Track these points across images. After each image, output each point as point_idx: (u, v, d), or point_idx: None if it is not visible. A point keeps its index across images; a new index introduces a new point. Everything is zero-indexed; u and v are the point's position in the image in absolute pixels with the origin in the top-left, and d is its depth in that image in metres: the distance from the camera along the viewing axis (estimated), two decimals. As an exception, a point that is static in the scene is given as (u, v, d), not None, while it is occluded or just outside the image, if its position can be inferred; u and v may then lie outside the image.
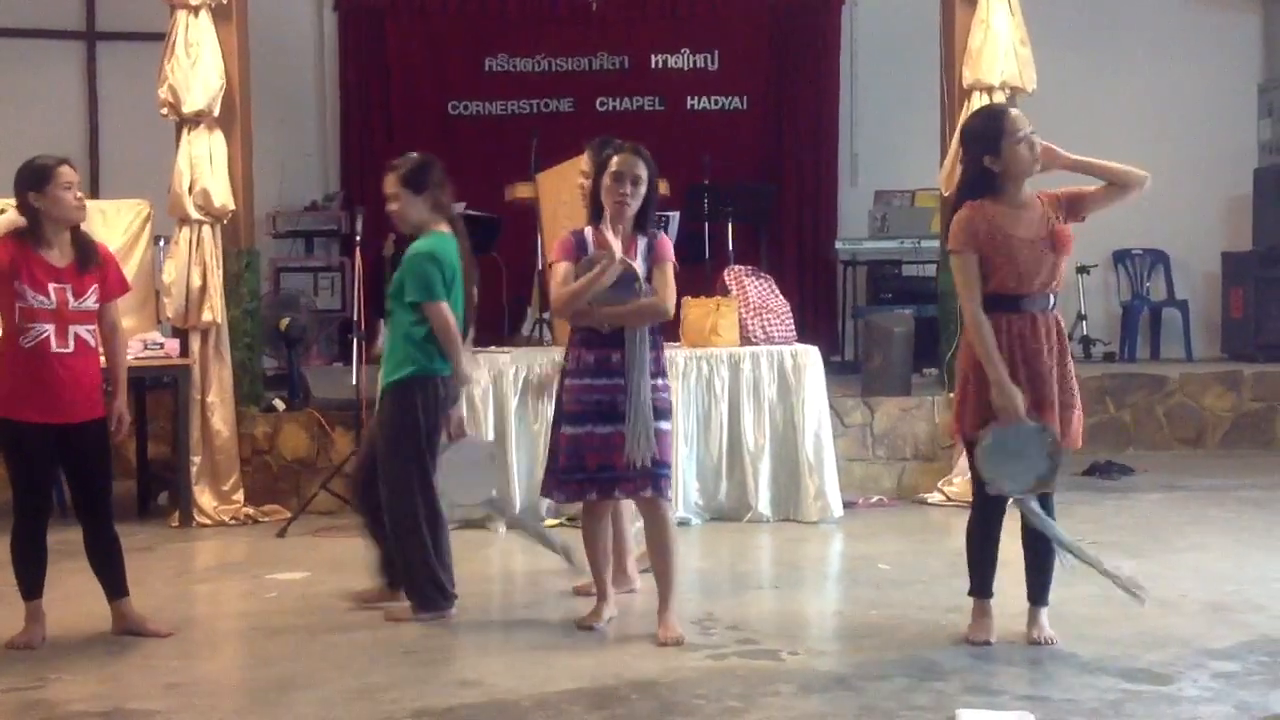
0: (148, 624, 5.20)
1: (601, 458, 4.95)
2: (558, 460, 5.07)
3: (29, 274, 4.96)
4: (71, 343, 5.02)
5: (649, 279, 4.98)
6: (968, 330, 4.81)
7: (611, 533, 5.30)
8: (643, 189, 4.96)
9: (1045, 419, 4.72)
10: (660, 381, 5.00)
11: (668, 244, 5.09)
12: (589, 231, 5.06)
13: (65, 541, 5.38)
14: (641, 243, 5.03)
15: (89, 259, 5.10)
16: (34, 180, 5.02)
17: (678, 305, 5.29)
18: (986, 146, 4.80)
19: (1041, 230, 4.78)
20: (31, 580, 5.11)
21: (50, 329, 4.98)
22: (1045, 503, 4.84)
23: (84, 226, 5.23)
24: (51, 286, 4.98)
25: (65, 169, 5.06)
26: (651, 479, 4.95)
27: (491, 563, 6.67)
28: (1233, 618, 5.21)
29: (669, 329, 5.41)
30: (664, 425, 4.98)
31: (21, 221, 5.01)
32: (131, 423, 6.25)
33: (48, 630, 5.12)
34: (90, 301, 5.08)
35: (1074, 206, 4.85)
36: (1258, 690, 4.33)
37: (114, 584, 5.21)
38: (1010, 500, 4.81)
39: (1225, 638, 4.92)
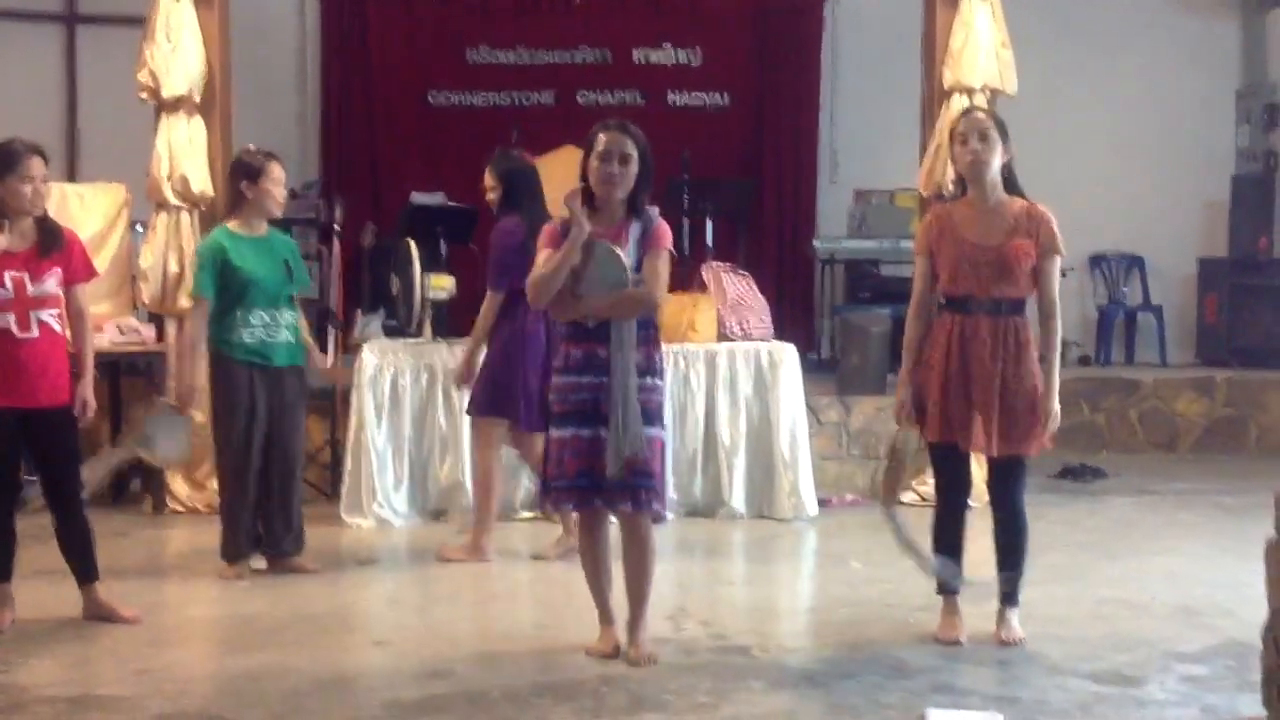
0: (118, 610, 5.18)
1: (582, 463, 4.54)
2: (546, 466, 4.71)
3: None
4: (35, 328, 4.97)
5: (639, 267, 4.59)
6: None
7: (608, 548, 4.78)
8: (632, 168, 4.59)
9: (981, 421, 4.74)
10: (649, 381, 4.58)
11: (665, 230, 4.67)
12: None
13: (37, 525, 5.36)
14: (635, 228, 4.63)
15: (51, 244, 5.04)
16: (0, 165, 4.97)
17: None
18: (951, 148, 4.92)
19: (995, 239, 4.78)
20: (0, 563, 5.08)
21: (11, 317, 4.93)
22: (1014, 503, 4.87)
23: (60, 210, 5.18)
24: (7, 275, 4.93)
25: (33, 161, 4.98)
26: (630, 491, 4.53)
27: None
28: (1201, 621, 5.24)
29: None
30: (652, 431, 4.56)
31: None
32: (103, 408, 6.22)
33: (17, 614, 5.10)
34: (51, 285, 5.02)
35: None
36: (1225, 693, 4.36)
37: (84, 569, 5.19)
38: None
39: (1194, 641, 4.96)
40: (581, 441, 4.56)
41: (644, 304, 4.59)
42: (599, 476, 4.54)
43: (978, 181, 4.81)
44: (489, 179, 6.38)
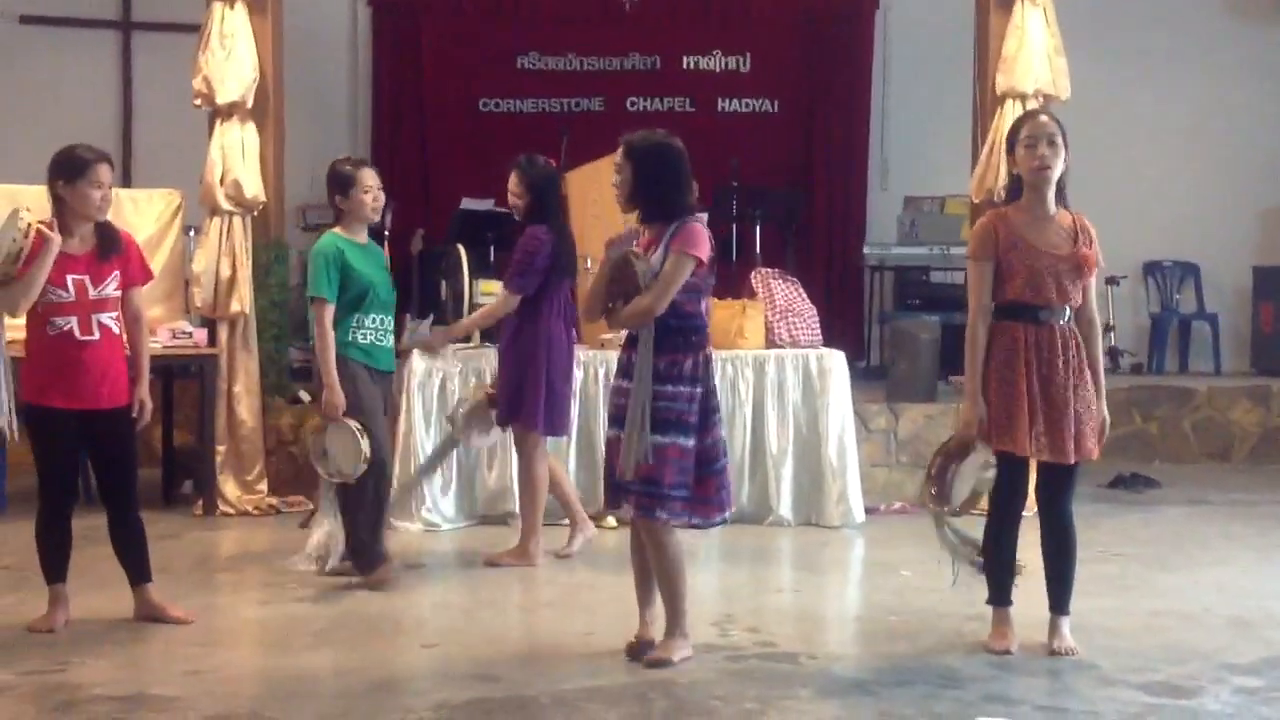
0: (170, 611, 5.23)
1: (611, 463, 4.72)
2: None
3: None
4: (96, 331, 5.03)
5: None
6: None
7: (640, 555, 4.82)
8: (626, 174, 4.70)
9: (1060, 429, 4.71)
10: (668, 388, 4.58)
11: (690, 233, 4.62)
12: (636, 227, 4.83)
13: (92, 527, 5.42)
14: (671, 230, 4.66)
15: (110, 247, 5.11)
16: (67, 170, 5.03)
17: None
18: (1008, 149, 4.89)
19: (1064, 247, 4.76)
20: (55, 564, 5.15)
21: (74, 320, 4.99)
22: (1065, 511, 4.83)
23: (115, 215, 5.24)
24: (69, 278, 4.99)
25: (102, 168, 5.05)
26: (635, 496, 4.59)
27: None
28: (1255, 633, 5.18)
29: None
30: (663, 439, 4.56)
31: (48, 220, 5.01)
32: (155, 410, 6.28)
33: (71, 614, 5.16)
34: (111, 289, 5.09)
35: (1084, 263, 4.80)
36: (1279, 705, 4.30)
37: (137, 570, 5.25)
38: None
39: (1247, 653, 4.90)
40: (611, 443, 4.74)
41: (636, 315, 4.62)
42: (619, 478, 4.66)
43: (1041, 188, 4.76)
44: (515, 185, 6.40)
